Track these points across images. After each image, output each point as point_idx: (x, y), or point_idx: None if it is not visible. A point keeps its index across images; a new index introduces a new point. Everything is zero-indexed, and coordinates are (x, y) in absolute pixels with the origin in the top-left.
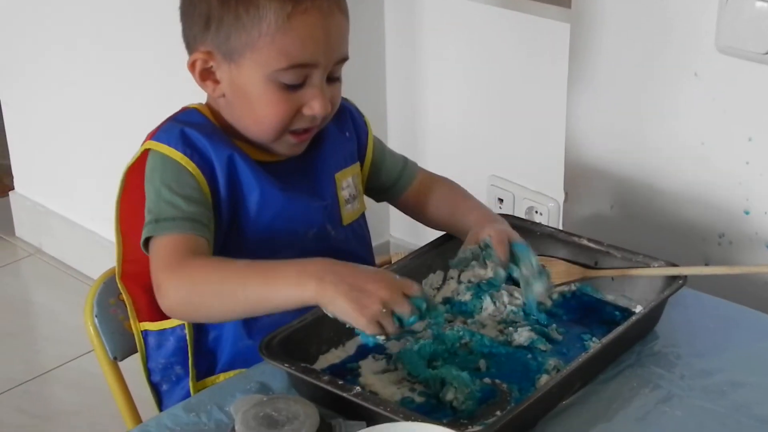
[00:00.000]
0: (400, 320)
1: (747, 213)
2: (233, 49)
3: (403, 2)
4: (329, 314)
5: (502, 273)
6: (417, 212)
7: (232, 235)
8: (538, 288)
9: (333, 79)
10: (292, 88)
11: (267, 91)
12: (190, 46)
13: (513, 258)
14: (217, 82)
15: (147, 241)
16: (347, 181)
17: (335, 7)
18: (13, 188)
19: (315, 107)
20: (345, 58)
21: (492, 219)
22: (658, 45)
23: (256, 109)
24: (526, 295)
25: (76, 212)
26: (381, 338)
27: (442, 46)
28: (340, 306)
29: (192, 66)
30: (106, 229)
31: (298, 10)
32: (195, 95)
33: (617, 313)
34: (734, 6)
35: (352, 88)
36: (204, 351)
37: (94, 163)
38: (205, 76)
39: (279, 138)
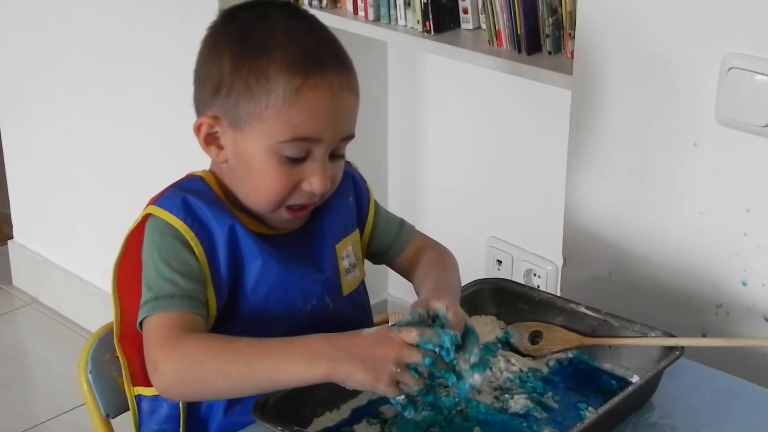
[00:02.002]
0: (417, 372)
1: (745, 284)
2: (240, 116)
3: (406, 64)
4: (348, 387)
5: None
6: (410, 281)
7: (228, 307)
8: (476, 379)
9: (336, 156)
10: (294, 161)
11: (269, 162)
12: (199, 110)
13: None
14: (221, 147)
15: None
16: (347, 251)
17: (345, 86)
18: (12, 237)
19: (314, 183)
20: (351, 136)
21: (446, 293)
22: (659, 114)
23: (256, 179)
24: (461, 382)
25: (74, 263)
26: (407, 398)
27: (444, 108)
28: (356, 380)
29: (197, 129)
30: (104, 281)
31: (307, 85)
32: (200, 150)
33: (614, 382)
34: (734, 78)
35: (353, 148)
36: (196, 420)
37: (95, 215)
38: (210, 140)
39: (275, 210)
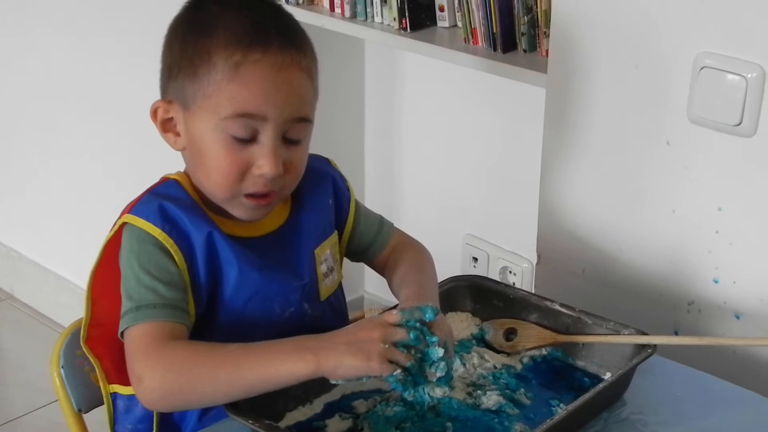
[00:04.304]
0: (405, 348)
1: (716, 282)
2: (188, 97)
3: (383, 61)
4: (335, 382)
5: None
6: (387, 278)
7: (206, 314)
8: (437, 392)
9: (292, 141)
10: (242, 142)
11: (215, 142)
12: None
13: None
14: (177, 134)
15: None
16: (325, 255)
17: (292, 63)
18: None
19: (263, 166)
20: (303, 118)
21: (427, 299)
22: (632, 113)
23: (206, 162)
24: (421, 390)
25: (49, 259)
26: (402, 376)
27: (421, 106)
28: (347, 365)
29: (154, 114)
30: (79, 277)
31: (248, 60)
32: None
33: (586, 379)
34: (707, 77)
35: (330, 146)
36: (168, 423)
37: (70, 211)
38: (167, 127)
39: (232, 199)
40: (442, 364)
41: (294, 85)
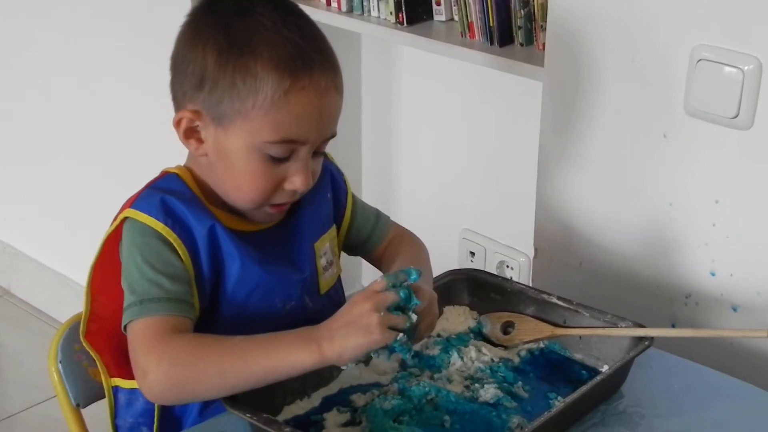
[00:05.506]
0: (398, 309)
1: (713, 274)
2: (223, 113)
3: (380, 55)
4: (346, 367)
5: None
6: (383, 272)
7: (209, 308)
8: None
9: (318, 153)
10: (277, 160)
11: (251, 160)
12: (178, 101)
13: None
14: (201, 141)
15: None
16: (325, 248)
17: (332, 85)
18: None
19: (297, 182)
20: (333, 135)
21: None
22: (629, 106)
23: (238, 176)
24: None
25: (46, 255)
26: (406, 340)
27: (417, 100)
28: (352, 345)
29: (177, 123)
30: (76, 272)
31: (295, 86)
32: (172, 143)
33: (584, 372)
34: (703, 70)
35: None
36: (170, 417)
37: (66, 206)
38: (190, 134)
39: (257, 208)
40: (405, 337)
41: (332, 108)
